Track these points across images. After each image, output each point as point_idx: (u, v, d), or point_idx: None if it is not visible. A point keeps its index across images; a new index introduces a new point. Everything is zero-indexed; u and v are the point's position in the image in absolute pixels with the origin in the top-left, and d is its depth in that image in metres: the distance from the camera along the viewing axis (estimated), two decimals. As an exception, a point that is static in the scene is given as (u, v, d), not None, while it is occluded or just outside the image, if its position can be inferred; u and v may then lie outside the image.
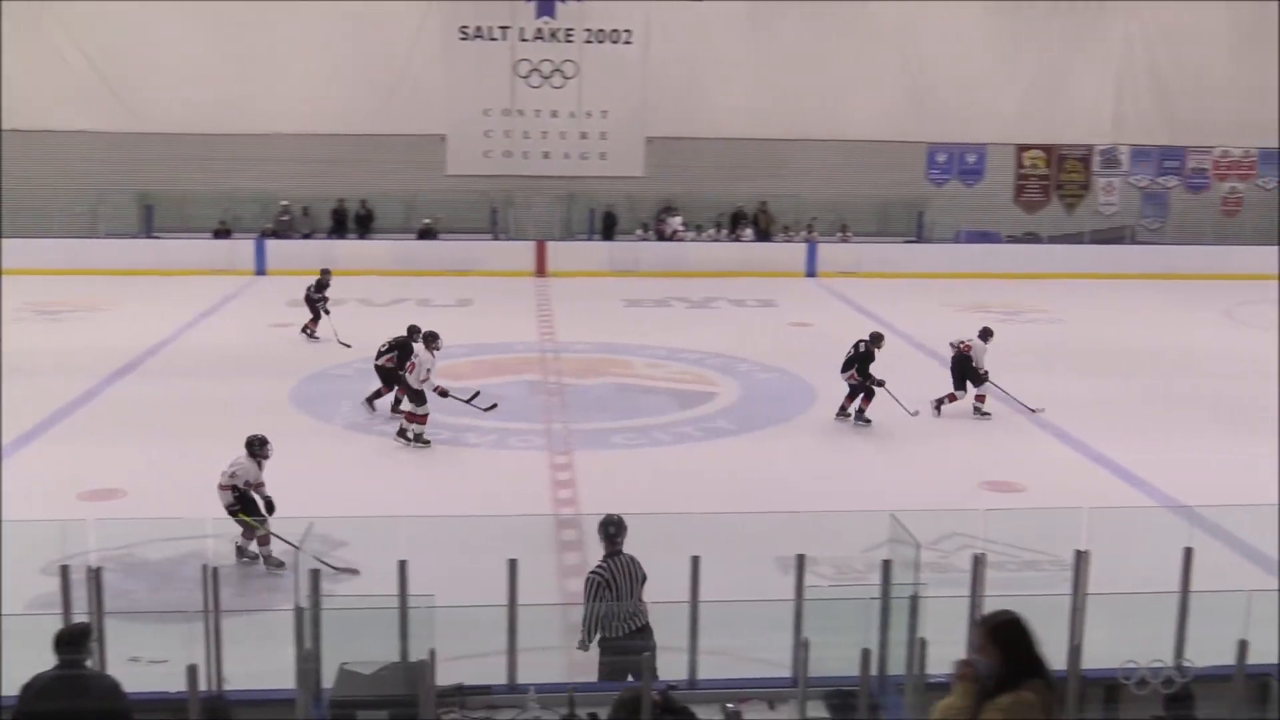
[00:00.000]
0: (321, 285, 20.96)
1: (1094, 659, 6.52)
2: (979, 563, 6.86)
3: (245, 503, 10.66)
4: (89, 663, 5.90)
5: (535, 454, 14.25)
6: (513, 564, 6.78)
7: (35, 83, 29.91)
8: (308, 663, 6.07)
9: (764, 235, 31.20)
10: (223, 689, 6.58)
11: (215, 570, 6.61)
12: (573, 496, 12.74)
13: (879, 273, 29.13)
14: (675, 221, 30.99)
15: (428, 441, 14.52)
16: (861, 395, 15.60)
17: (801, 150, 31.78)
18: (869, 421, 15.49)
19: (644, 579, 7.96)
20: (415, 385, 14.64)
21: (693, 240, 30.64)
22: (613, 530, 8.00)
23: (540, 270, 29.17)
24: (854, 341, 15.98)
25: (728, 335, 21.26)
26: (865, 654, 6.05)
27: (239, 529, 10.66)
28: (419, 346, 15.26)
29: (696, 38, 31.13)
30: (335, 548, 10.07)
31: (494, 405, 15.39)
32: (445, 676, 6.19)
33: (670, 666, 6.62)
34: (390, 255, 28.93)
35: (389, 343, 16.32)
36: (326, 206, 30.83)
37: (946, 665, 6.78)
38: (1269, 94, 32.56)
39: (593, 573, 7.91)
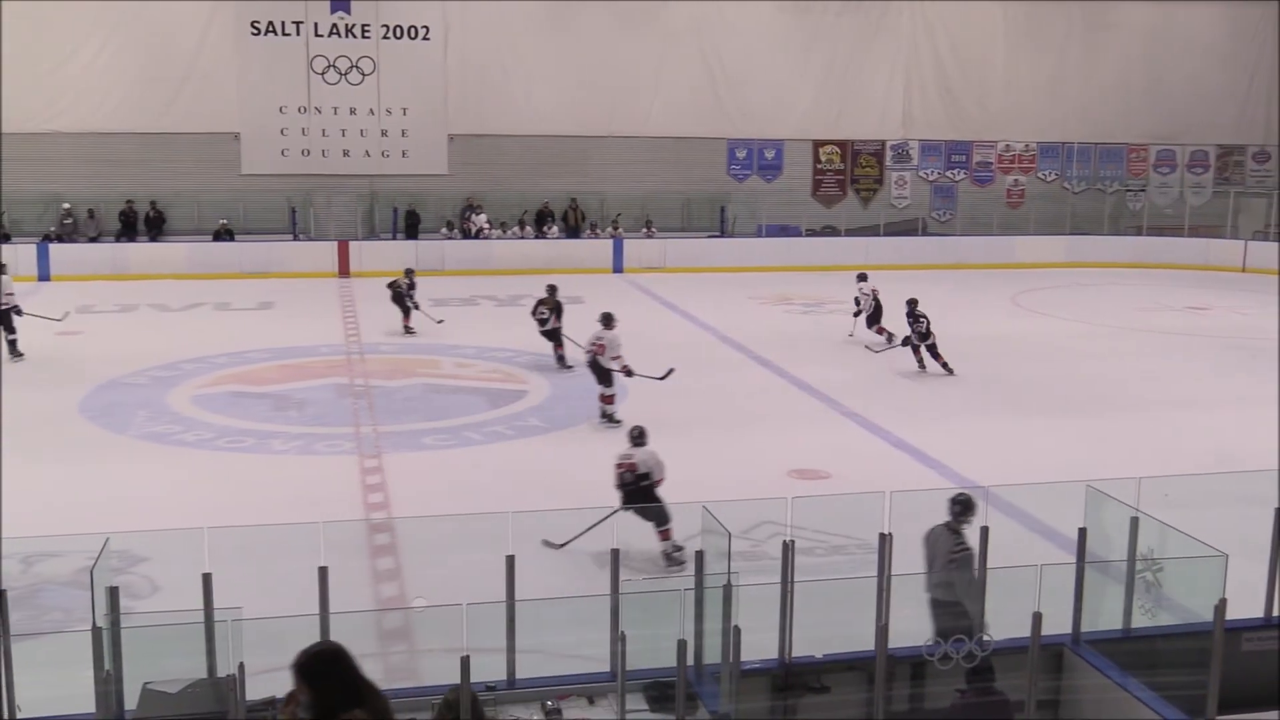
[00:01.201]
0: (411, 285, 21.77)
1: (901, 638, 6.75)
2: (789, 549, 7.02)
3: None
4: None
5: (344, 458, 13.97)
6: (323, 571, 6.64)
7: None
8: (108, 684, 5.83)
9: (573, 232, 31.30)
10: (15, 717, 6.26)
11: (3, 593, 6.27)
12: (384, 500, 12.54)
13: (685, 267, 29.56)
14: (480, 219, 30.81)
15: (619, 421, 15.11)
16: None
17: (605, 147, 32.02)
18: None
19: None
20: (606, 365, 15.41)
21: (499, 238, 30.51)
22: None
23: (343, 270, 28.63)
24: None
25: (536, 333, 21.23)
26: (681, 645, 6.13)
27: (28, 548, 10.16)
28: (604, 328, 15.94)
29: (496, 35, 31.02)
30: (135, 564, 9.68)
31: (670, 370, 16.23)
32: (257, 690, 6.02)
33: (488, 666, 6.57)
34: (185, 258, 27.98)
35: (537, 305, 18.76)
36: (114, 208, 29.58)
37: (760, 652, 6.96)
38: (1046, 90, 34.35)
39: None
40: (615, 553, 7.10)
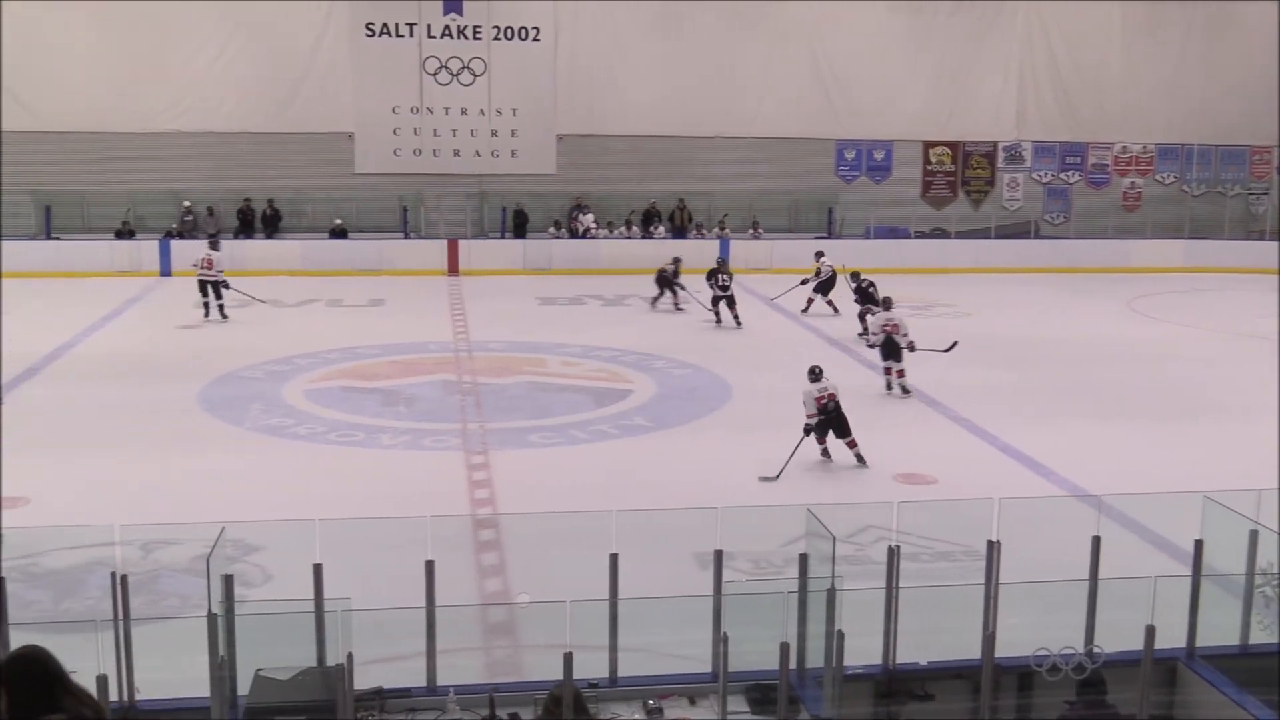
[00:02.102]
0: (675, 272, 24.07)
1: (1008, 647, 6.64)
2: (894, 555, 6.95)
3: None
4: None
5: (451, 454, 14.15)
6: (430, 565, 6.73)
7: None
8: (222, 670, 5.98)
9: (679, 232, 31.31)
10: (134, 699, 6.45)
11: (124, 578, 6.47)
12: (489, 496, 12.68)
13: (791, 268, 29.33)
14: (587, 219, 30.97)
15: (909, 392, 16.58)
16: None
17: (713, 147, 31.97)
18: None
19: None
20: (898, 342, 16.93)
21: (605, 238, 30.64)
22: None
23: (453, 269, 28.98)
24: None
25: (642, 332, 21.30)
26: (784, 648, 6.10)
27: (148, 536, 10.47)
28: (889, 310, 17.55)
29: (606, 35, 31.15)
30: (249, 553, 9.92)
31: (954, 344, 17.14)
32: (364, 680, 6.14)
33: (590, 664, 6.61)
34: (300, 255, 28.55)
35: (714, 274, 22.36)
36: (233, 206, 30.33)
37: (863, 657, 6.90)
38: (1165, 90, 33.49)
39: None
40: (718, 554, 7.09)
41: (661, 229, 31.25)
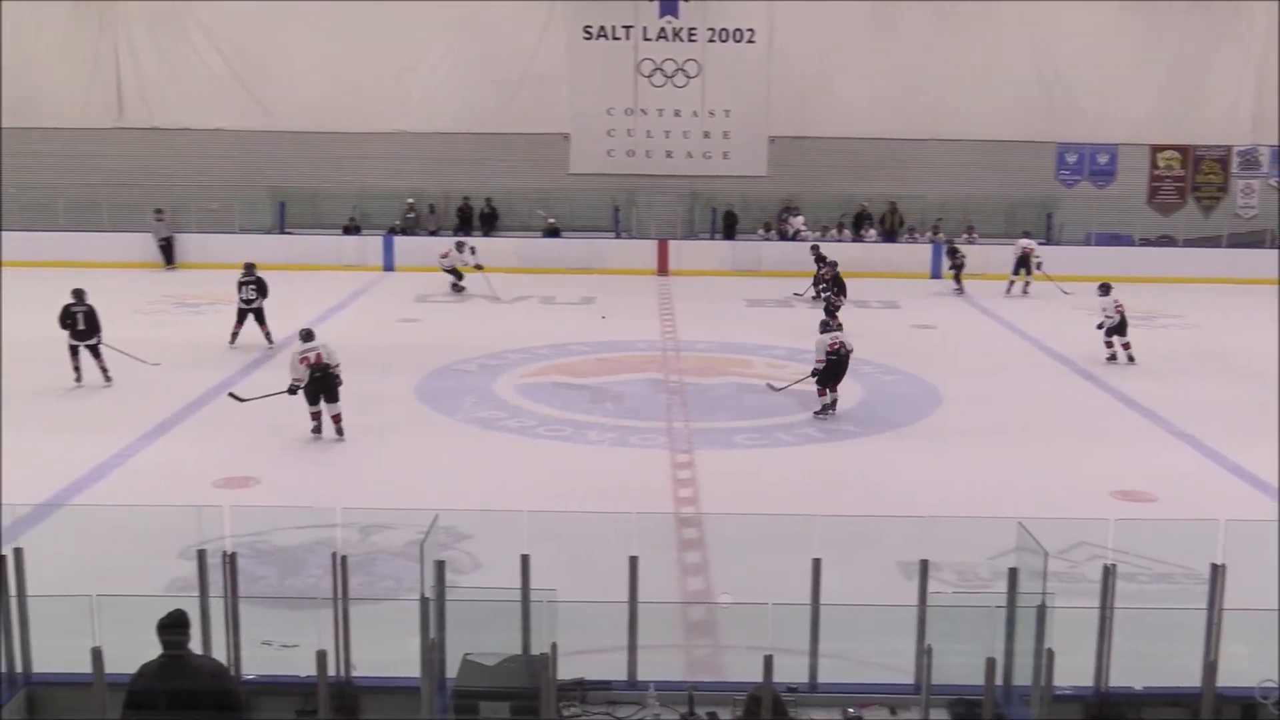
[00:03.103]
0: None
1: (1230, 676, 6.33)
2: (1109, 574, 6.70)
3: None
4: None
5: (656, 452, 14.28)
6: (633, 561, 6.80)
7: (174, 82, 30.94)
8: (432, 653, 6.17)
9: (890, 235, 30.86)
10: (350, 675, 6.72)
11: (344, 559, 6.75)
12: (693, 495, 12.75)
13: (1006, 274, 28.58)
14: (797, 221, 30.79)
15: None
16: None
17: (926, 150, 31.38)
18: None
19: None
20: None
21: (815, 240, 30.39)
22: None
23: (662, 269, 29.24)
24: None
25: (850, 337, 21.07)
26: (990, 663, 5.95)
27: (366, 519, 10.91)
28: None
29: (821, 36, 30.92)
30: (459, 540, 10.23)
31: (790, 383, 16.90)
32: (566, 671, 6.25)
33: (790, 668, 6.58)
34: (515, 253, 29.23)
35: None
36: (453, 204, 31.31)
37: (1074, 677, 6.67)
38: None
39: None
40: (924, 564, 6.96)
41: (872, 232, 30.84)
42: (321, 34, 30.57)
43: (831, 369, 15.75)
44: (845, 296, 21.94)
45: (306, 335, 15.02)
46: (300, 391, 14.48)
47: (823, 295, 22.66)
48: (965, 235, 30.38)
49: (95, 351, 17.08)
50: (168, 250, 28.96)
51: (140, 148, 30.97)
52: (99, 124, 31.02)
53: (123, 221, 29.70)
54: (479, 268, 25.44)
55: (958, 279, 27.10)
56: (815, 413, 15.84)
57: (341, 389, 14.57)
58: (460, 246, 25.96)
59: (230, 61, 30.95)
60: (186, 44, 30.86)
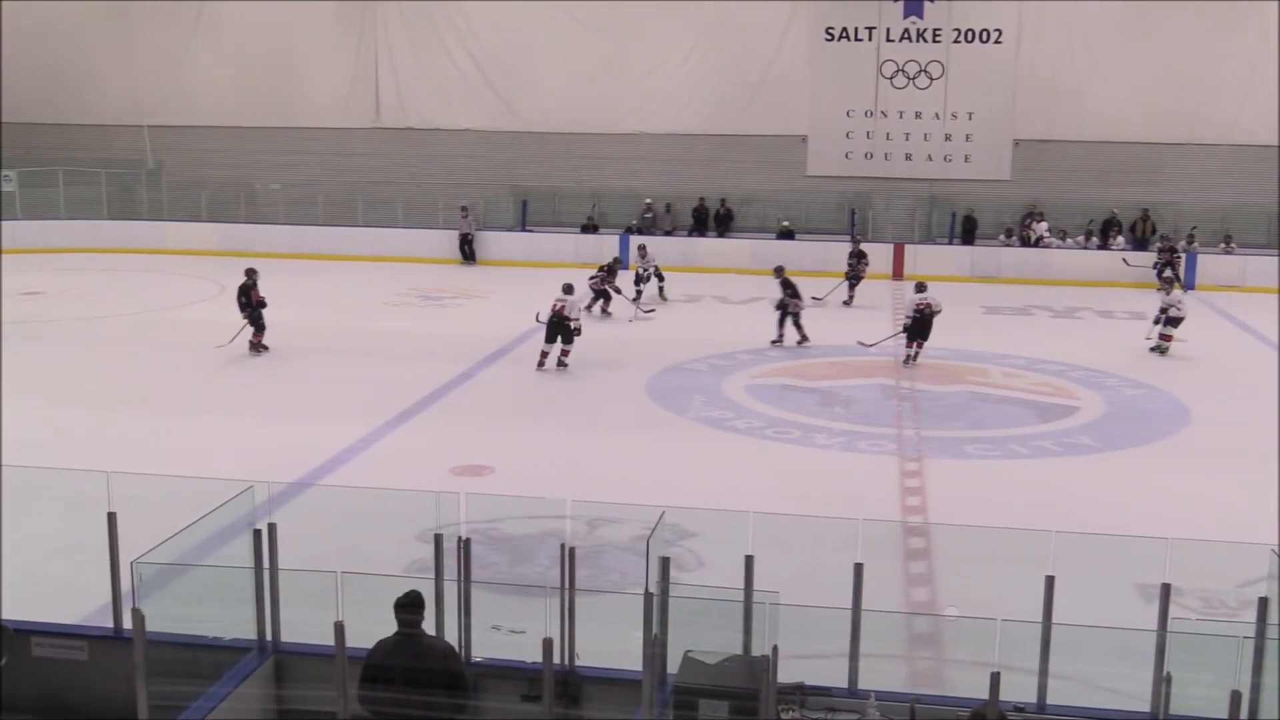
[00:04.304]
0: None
1: None
2: (1373, 609, 6.28)
3: None
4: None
5: (885, 458, 14.09)
6: (858, 568, 6.74)
7: (428, 84, 32.26)
8: (655, 647, 6.25)
9: (1140, 244, 29.53)
10: (574, 664, 6.88)
11: (573, 550, 6.90)
12: (921, 504, 12.52)
13: (1266, 287, 27.01)
14: (1041, 227, 29.82)
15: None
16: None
17: (1181, 154, 29.94)
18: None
19: None
20: None
21: (1059, 247, 29.39)
22: None
23: (898, 273, 28.79)
24: None
25: (1093, 347, 20.29)
26: (1235, 695, 5.65)
27: (594, 512, 11.13)
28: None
29: (1071, 37, 29.88)
30: (684, 538, 10.33)
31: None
32: (786, 674, 6.23)
33: (1017, 686, 6.40)
34: (749, 254, 29.28)
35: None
36: (688, 204, 31.59)
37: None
38: None
39: None
40: (1166, 587, 6.66)
41: (1121, 239, 29.59)
42: (567, 37, 31.34)
43: (917, 326, 18.83)
44: (800, 299, 20.71)
45: (566, 289, 18.34)
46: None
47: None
48: (1223, 245, 28.85)
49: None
50: (468, 246, 30.15)
51: (394, 146, 32.42)
52: (358, 124, 32.64)
53: (375, 218, 31.18)
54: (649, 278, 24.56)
55: (1160, 276, 26.50)
56: (903, 362, 18.94)
57: (575, 383, 14.90)
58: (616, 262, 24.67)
59: (480, 63, 32.06)
60: (439, 46, 32.15)
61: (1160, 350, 19.99)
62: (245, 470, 8.92)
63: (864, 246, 26.32)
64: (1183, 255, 27.59)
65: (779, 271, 20.87)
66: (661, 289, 24.81)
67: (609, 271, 23.29)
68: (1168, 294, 20.43)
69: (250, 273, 18.83)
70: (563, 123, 31.80)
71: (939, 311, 18.95)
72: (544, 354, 18.09)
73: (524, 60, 31.76)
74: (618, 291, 23.05)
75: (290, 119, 32.62)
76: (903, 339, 19.34)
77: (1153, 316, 20.47)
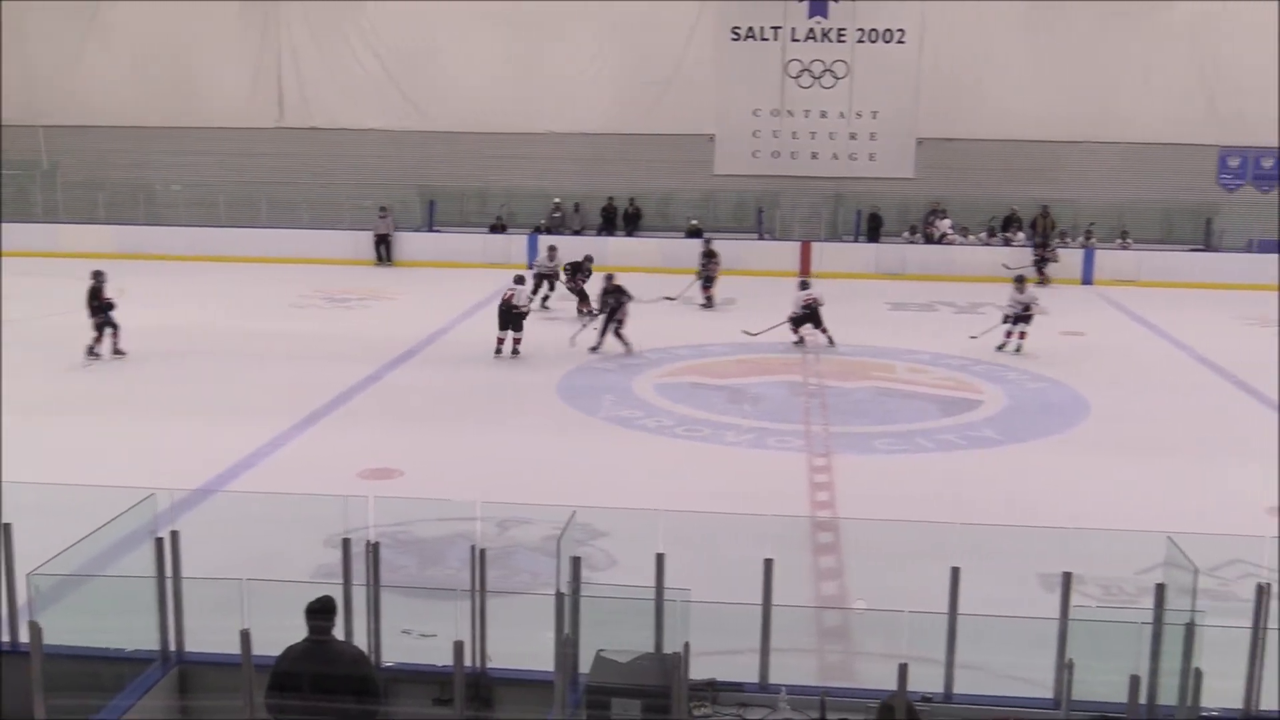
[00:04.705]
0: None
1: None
2: (1263, 592, 6.46)
3: None
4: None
5: (794, 455, 14.21)
6: (768, 563, 6.78)
7: (333, 83, 31.88)
8: (566, 648, 6.23)
9: (1042, 240, 30.11)
10: (485, 666, 6.84)
11: (483, 552, 6.86)
12: (830, 499, 12.65)
13: (1161, 282, 27.75)
14: (944, 224, 30.31)
15: None
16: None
17: (1080, 153, 30.61)
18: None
19: None
20: None
21: (962, 244, 29.88)
22: None
23: (804, 271, 29.04)
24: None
25: (996, 342, 20.66)
26: (1134, 681, 5.78)
27: (505, 513, 11.08)
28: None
29: (973, 37, 30.41)
30: (595, 537, 10.32)
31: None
32: (698, 670, 6.25)
33: (924, 677, 6.49)
34: (658, 253, 29.37)
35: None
36: (597, 204, 31.59)
37: (1222, 699, 6.45)
38: None
39: None
40: (1067, 576, 6.79)
41: (1021, 235, 30.17)
42: (474, 36, 31.19)
43: (805, 318, 20.33)
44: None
45: (518, 280, 19.65)
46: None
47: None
48: (1120, 241, 29.56)
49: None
50: (385, 247, 29.82)
51: (298, 146, 31.99)
52: (261, 124, 32.15)
53: (279, 219, 30.75)
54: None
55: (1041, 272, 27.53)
56: (795, 343, 20.42)
57: (484, 384, 14.81)
58: (552, 253, 24.31)
59: (386, 63, 31.77)
60: (344, 45, 31.81)
61: (1017, 349, 19.86)
62: (146, 477, 8.73)
63: (767, 240, 26.51)
64: (1056, 250, 28.21)
65: (608, 279, 20.19)
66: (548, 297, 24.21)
67: (576, 269, 23.13)
68: (1021, 292, 20.10)
69: (97, 275, 18.35)
70: (471, 122, 31.61)
71: (823, 305, 20.32)
72: (500, 340, 19.05)
73: (431, 60, 31.53)
74: (579, 292, 22.91)
75: (190, 119, 32.02)
76: (787, 329, 20.52)
77: (1005, 314, 20.27)
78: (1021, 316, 19.91)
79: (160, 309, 21.95)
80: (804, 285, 20.94)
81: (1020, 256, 28.47)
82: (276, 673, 6.09)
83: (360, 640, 6.73)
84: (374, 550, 6.88)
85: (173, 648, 7.00)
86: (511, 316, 18.99)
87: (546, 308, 23.26)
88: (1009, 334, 20.09)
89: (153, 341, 19.05)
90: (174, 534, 6.88)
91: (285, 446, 14.03)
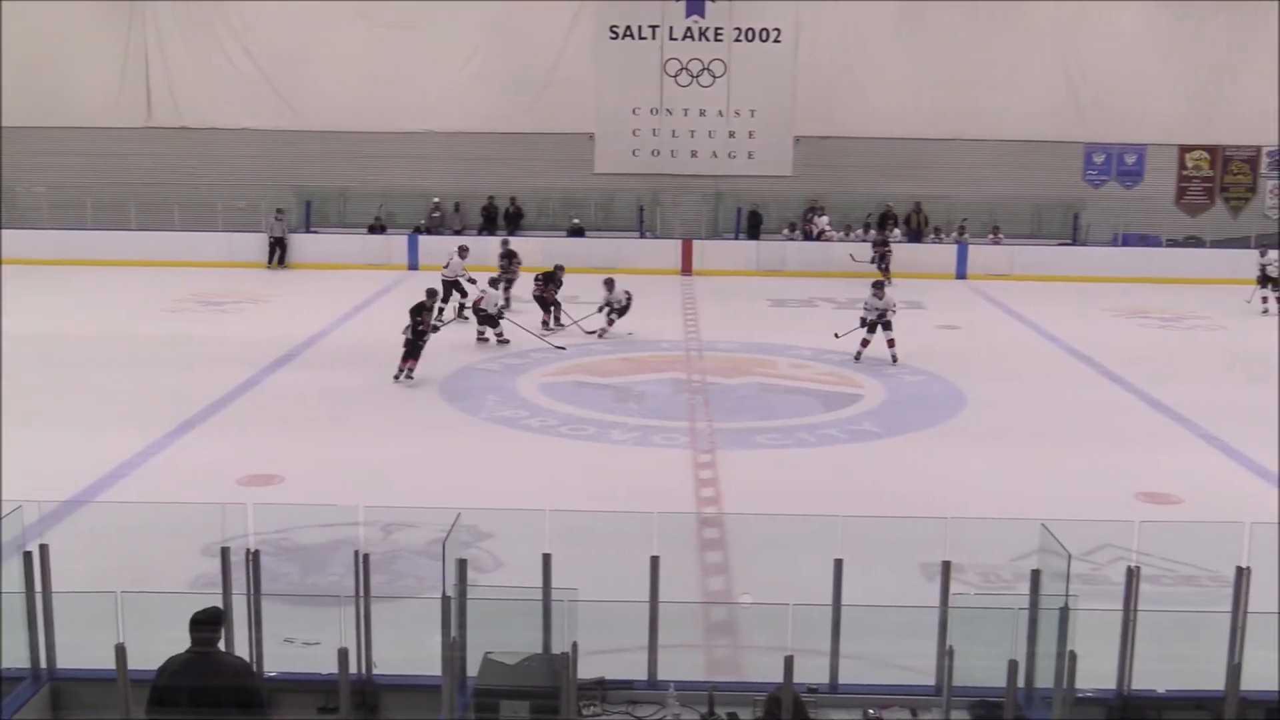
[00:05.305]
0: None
1: (1254, 680, 6.29)
2: (1133, 576, 6.67)
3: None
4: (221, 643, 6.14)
5: (679, 452, 14.28)
6: (655, 561, 6.80)
7: (204, 82, 31.14)
8: (453, 651, 6.18)
9: (915, 236, 30.76)
10: (371, 673, 6.75)
11: (366, 557, 6.77)
12: (715, 495, 12.74)
13: (1033, 275, 28.51)
14: (822, 221, 30.73)
15: None
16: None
17: (953, 150, 31.27)
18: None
19: None
20: None
21: (840, 240, 30.33)
22: None
23: (686, 269, 29.23)
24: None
25: (875, 337, 21.01)
26: (1012, 665, 5.93)
27: (388, 517, 10.95)
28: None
29: (847, 36, 30.86)
30: (482, 539, 10.25)
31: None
32: (587, 669, 6.25)
33: (811, 668, 6.57)
34: (540, 252, 29.23)
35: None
36: (478, 203, 31.38)
37: (1096, 680, 6.64)
38: None
39: None
40: (946, 565, 6.94)
41: (897, 232, 30.75)
42: (349, 35, 30.71)
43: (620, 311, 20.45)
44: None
45: (491, 283, 20.99)
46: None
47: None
48: (991, 236, 30.28)
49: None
50: (280, 250, 29.18)
51: (168, 147, 31.18)
52: (128, 123, 31.26)
53: (149, 221, 29.95)
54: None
55: (882, 268, 27.64)
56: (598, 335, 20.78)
57: (366, 387, 14.61)
58: (463, 252, 23.13)
59: (258, 61, 31.13)
60: (215, 44, 31.07)
61: (894, 360, 18.89)
62: (13, 489, 8.44)
63: (649, 239, 26.55)
64: (891, 249, 28.48)
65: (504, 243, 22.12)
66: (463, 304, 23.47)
67: (548, 280, 22.25)
68: (880, 297, 19.27)
69: None
70: (347, 121, 31.13)
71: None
72: (480, 335, 20.15)
73: (305, 58, 30.96)
74: (546, 304, 22.06)
75: (54, 118, 30.97)
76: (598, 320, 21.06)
77: (862, 318, 19.34)
78: (880, 322, 19.13)
79: (26, 315, 21.23)
80: (609, 284, 21.33)
81: (865, 250, 28.89)
82: (156, 687, 5.93)
83: (241, 651, 6.59)
84: (254, 558, 6.74)
85: (44, 665, 6.78)
86: (487, 317, 19.91)
87: (465, 318, 21.89)
88: (865, 342, 19.13)
89: (19, 348, 18.39)
90: (43, 547, 6.66)
91: (160, 454, 13.69)
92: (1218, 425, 15.45)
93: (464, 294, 22.46)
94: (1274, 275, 23.93)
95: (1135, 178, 31.80)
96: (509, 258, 24.22)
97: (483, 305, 20.18)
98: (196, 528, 9.49)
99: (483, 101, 31.14)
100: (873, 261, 28.04)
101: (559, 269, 22.66)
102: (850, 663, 6.84)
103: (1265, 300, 24.07)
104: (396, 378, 17.27)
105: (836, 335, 19.82)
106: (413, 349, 17.42)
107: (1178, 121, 31.34)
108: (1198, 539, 10.00)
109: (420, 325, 17.53)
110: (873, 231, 30.68)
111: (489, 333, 20.19)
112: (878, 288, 19.81)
